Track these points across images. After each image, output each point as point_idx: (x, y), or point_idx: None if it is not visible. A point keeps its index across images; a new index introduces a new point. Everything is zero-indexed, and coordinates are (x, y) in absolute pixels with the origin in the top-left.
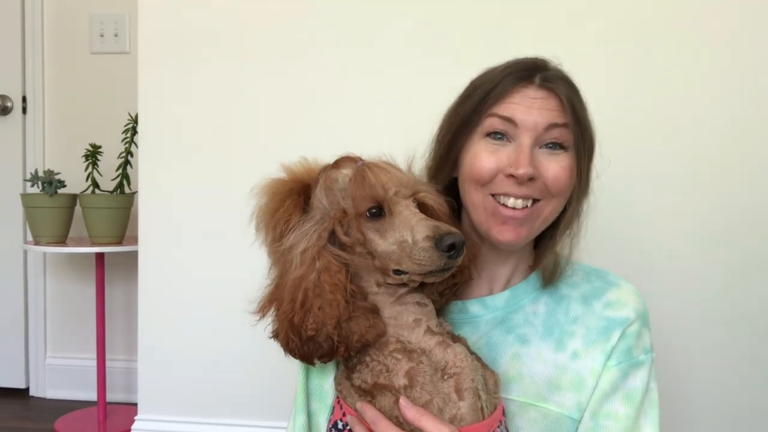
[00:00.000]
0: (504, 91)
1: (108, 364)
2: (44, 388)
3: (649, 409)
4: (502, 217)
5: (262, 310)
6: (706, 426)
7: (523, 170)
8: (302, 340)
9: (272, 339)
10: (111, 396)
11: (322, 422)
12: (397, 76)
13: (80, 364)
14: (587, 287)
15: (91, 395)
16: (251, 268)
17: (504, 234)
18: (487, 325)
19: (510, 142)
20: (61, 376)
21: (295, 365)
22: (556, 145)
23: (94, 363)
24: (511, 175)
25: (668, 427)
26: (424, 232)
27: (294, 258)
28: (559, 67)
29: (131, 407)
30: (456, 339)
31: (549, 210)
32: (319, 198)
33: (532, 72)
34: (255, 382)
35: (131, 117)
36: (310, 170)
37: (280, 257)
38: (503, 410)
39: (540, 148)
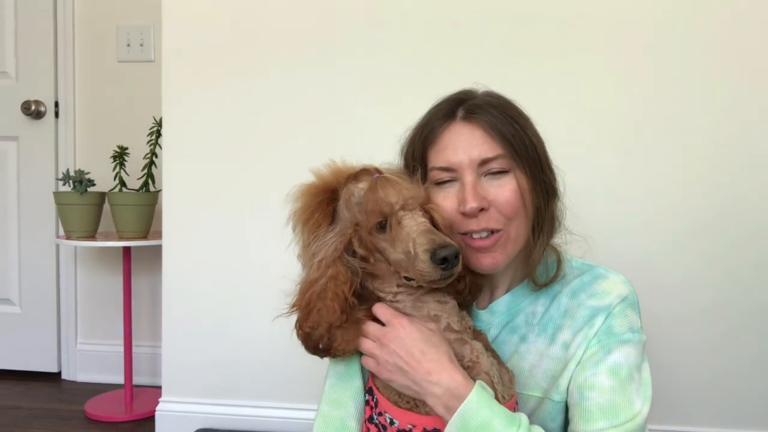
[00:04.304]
0: (433, 135)
1: (134, 349)
2: (75, 372)
3: (640, 387)
4: (475, 248)
5: (293, 306)
6: (710, 418)
7: (470, 205)
8: (303, 335)
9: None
10: (137, 379)
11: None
12: (404, 88)
13: (108, 349)
14: (577, 282)
15: (119, 378)
16: (264, 260)
17: (482, 261)
18: (496, 328)
19: (457, 180)
20: (91, 360)
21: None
22: (498, 172)
23: (122, 348)
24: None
25: (670, 422)
26: (423, 245)
27: (313, 265)
28: (484, 89)
29: (156, 390)
30: (477, 334)
31: (514, 231)
32: (341, 209)
33: (454, 107)
34: (273, 366)
35: (156, 120)
36: (338, 173)
37: (307, 262)
38: (516, 401)
39: (485, 176)
